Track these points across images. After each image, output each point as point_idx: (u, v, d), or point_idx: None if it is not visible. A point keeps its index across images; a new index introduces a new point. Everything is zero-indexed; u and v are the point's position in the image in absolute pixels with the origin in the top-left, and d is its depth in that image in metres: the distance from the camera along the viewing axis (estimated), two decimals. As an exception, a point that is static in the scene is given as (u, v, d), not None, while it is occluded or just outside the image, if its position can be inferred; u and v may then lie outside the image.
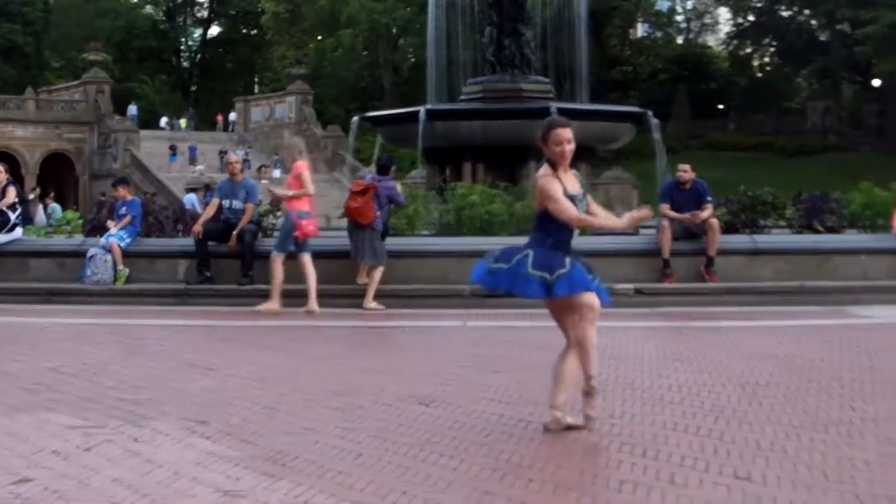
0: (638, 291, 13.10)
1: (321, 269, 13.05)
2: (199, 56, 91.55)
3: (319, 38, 76.44)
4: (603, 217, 6.22)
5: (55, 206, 34.22)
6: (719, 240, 13.69)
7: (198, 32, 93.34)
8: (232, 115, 66.18)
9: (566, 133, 5.96)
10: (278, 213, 14.41)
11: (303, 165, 13.11)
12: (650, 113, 22.81)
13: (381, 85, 72.06)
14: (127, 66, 77.54)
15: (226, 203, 14.04)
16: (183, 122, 67.78)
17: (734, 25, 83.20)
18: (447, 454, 5.59)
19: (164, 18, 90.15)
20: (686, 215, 13.79)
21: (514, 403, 6.95)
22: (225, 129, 67.58)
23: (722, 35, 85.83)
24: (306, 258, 12.84)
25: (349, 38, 70.23)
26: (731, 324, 11.42)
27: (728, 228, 14.58)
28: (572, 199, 5.96)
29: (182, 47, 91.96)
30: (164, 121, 66.90)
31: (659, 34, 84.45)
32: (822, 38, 74.91)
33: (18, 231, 15.06)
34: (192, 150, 56.16)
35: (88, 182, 55.02)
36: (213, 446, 5.81)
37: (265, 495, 4.87)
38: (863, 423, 6.32)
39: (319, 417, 6.54)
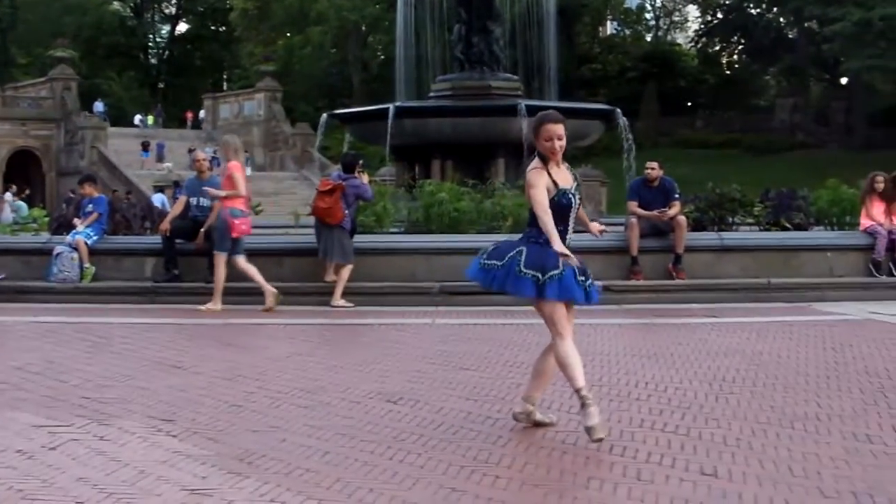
0: (606, 289, 13.01)
1: (289, 267, 13.00)
2: (167, 53, 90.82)
3: (288, 35, 76.09)
4: (557, 234, 5.95)
5: (21, 204, 33.94)
6: (687, 237, 13.76)
7: (166, 29, 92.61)
8: (201, 113, 65.83)
9: (557, 129, 5.93)
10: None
11: (235, 166, 13.03)
12: (619, 110, 22.85)
13: (351, 82, 71.77)
14: (94, 63, 76.67)
15: (193, 201, 13.96)
16: (150, 119, 67.34)
17: (703, 23, 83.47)
18: (414, 452, 5.59)
19: (131, 15, 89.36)
20: (654, 212, 13.84)
21: (482, 401, 6.96)
22: (194, 126, 67.19)
23: (691, 33, 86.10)
24: (240, 258, 12.83)
25: (318, 35, 69.95)
26: (699, 320, 11.48)
27: (696, 226, 14.68)
28: (564, 193, 5.96)
29: (150, 44, 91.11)
30: (137, 118, 66.46)
31: (628, 32, 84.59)
32: (791, 35, 75.20)
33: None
34: (161, 147, 55.84)
35: (55, 179, 54.51)
36: (179, 445, 5.78)
37: (231, 494, 4.85)
38: (828, 418, 6.38)
39: (286, 415, 6.52)
